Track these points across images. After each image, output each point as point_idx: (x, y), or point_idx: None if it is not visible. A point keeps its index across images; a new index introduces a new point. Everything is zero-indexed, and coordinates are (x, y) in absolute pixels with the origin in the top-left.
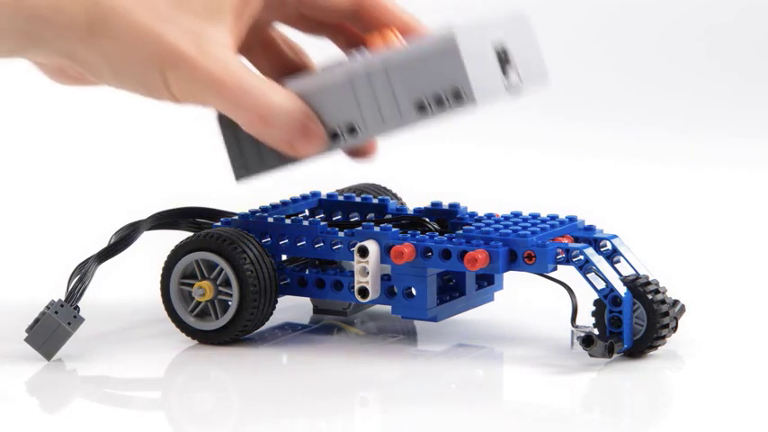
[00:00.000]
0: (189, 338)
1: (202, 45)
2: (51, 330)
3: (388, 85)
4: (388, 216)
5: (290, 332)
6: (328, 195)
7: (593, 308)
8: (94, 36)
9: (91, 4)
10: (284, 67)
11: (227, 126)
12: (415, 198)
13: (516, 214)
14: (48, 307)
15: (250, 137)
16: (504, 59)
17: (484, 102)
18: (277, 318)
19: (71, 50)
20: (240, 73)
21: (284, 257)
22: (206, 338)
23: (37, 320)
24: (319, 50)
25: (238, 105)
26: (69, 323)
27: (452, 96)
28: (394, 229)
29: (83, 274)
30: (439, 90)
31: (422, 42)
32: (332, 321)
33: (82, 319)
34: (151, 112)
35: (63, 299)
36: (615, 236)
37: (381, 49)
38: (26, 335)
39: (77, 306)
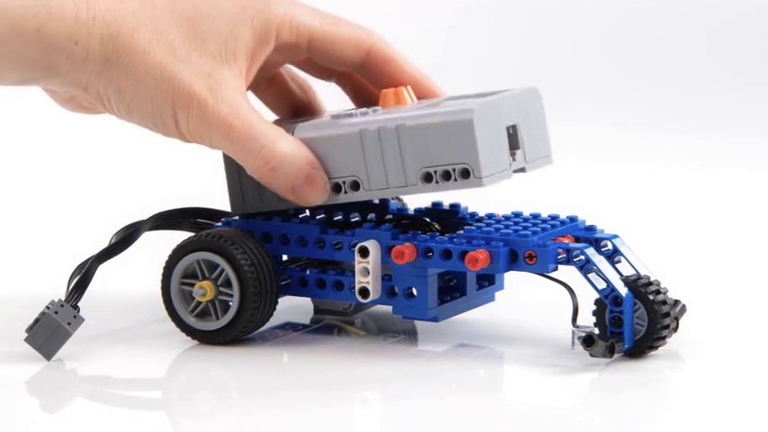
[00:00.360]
0: (189, 338)
1: (214, 88)
2: (51, 330)
3: (398, 148)
4: (389, 216)
5: (291, 332)
6: None
7: (594, 307)
8: (109, 70)
9: (108, 38)
10: (291, 103)
11: (231, 161)
12: (415, 198)
13: (517, 214)
14: (48, 307)
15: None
16: (513, 141)
17: (490, 183)
18: (278, 318)
19: (84, 82)
20: (249, 118)
21: (285, 258)
22: (206, 338)
23: (37, 320)
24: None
25: (244, 150)
26: (69, 323)
27: (460, 174)
28: (395, 230)
29: (83, 274)
30: (448, 165)
31: (437, 112)
32: (332, 321)
33: (82, 319)
34: None
35: (63, 299)
36: (616, 236)
37: (393, 107)
38: (26, 335)
39: (77, 306)
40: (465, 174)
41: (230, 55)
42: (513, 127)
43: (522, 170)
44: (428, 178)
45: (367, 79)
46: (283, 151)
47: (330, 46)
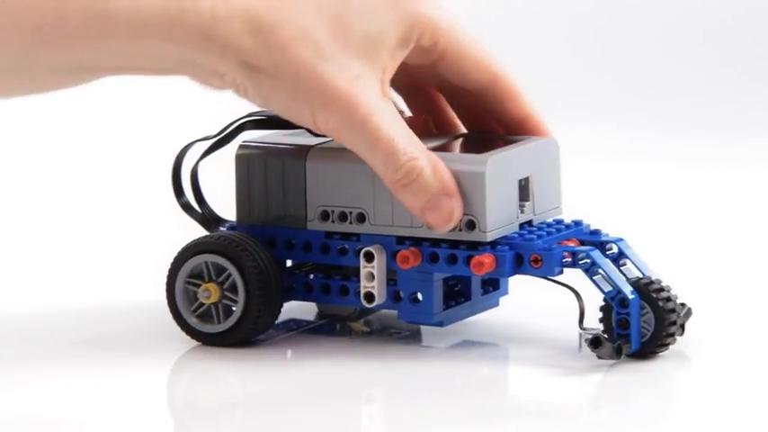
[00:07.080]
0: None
1: (361, 92)
2: None
3: None
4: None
5: (295, 329)
6: None
7: (602, 304)
8: (246, 64)
9: (247, 35)
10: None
11: (243, 169)
12: None
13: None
14: None
15: (263, 189)
16: (524, 193)
17: (494, 237)
18: (282, 316)
19: (221, 71)
20: (393, 132)
21: (289, 263)
22: (207, 341)
23: None
24: None
25: (384, 165)
26: None
27: (466, 225)
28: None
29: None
30: None
31: (450, 158)
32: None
33: None
34: (156, 116)
35: None
36: (621, 239)
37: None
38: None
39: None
40: (470, 225)
41: (376, 57)
42: (526, 179)
43: (530, 222)
44: None
45: (482, 105)
46: (419, 171)
47: (460, 61)
